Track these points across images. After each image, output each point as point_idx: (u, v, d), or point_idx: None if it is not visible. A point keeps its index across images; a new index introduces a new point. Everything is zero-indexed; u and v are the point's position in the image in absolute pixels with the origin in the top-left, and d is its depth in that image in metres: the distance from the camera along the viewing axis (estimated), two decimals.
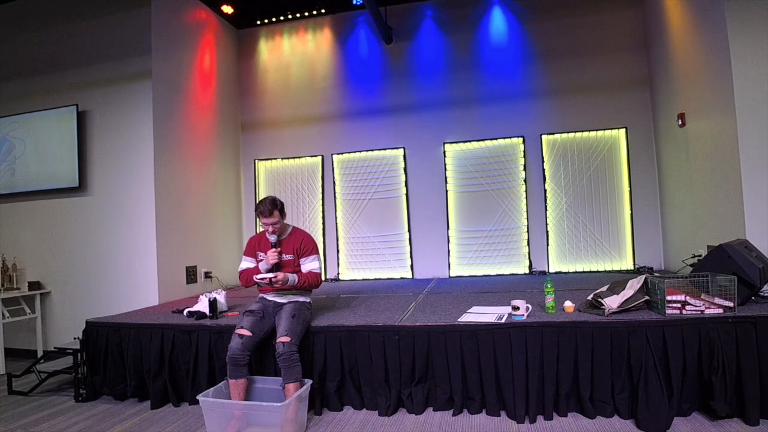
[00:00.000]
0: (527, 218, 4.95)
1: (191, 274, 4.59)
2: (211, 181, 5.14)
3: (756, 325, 2.30)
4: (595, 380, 2.44)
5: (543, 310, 2.73)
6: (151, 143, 4.19)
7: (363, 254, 5.34)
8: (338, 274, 5.38)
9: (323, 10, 5.53)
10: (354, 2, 5.29)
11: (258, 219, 2.79)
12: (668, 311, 2.42)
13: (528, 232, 4.95)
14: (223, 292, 3.45)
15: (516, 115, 5.02)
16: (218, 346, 2.89)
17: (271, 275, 2.63)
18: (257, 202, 2.79)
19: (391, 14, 5.27)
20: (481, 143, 5.09)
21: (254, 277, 2.72)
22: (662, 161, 4.63)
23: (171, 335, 2.99)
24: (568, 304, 2.69)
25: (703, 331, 2.34)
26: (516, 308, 2.60)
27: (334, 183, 5.46)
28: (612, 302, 2.53)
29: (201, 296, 3.35)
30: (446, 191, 5.14)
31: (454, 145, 5.16)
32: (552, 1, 5.02)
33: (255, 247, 2.89)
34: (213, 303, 3.12)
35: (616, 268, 4.75)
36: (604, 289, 2.74)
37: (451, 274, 5.06)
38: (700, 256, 3.41)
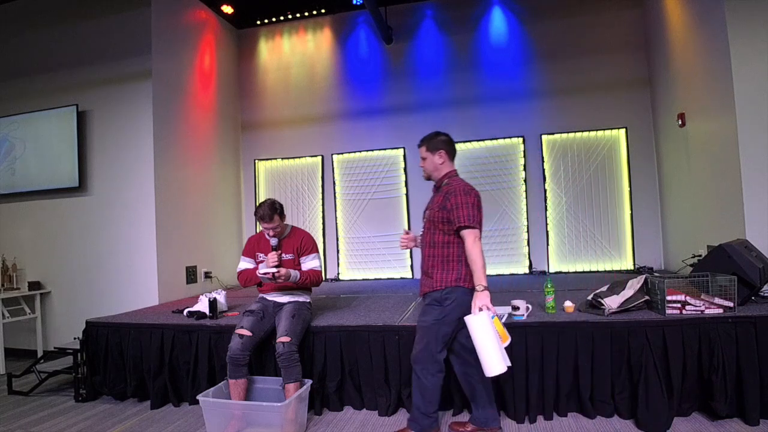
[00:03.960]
0: (527, 218, 4.95)
1: (191, 274, 4.59)
2: (211, 181, 5.14)
3: (756, 325, 2.30)
4: (595, 380, 2.44)
5: (543, 310, 2.73)
6: (151, 143, 4.19)
7: (363, 254, 5.34)
8: (338, 274, 5.38)
9: (323, 10, 5.52)
10: (354, 2, 5.29)
11: (258, 222, 2.80)
12: (668, 311, 2.42)
13: (528, 232, 4.94)
14: (223, 292, 3.45)
15: (516, 115, 5.02)
16: (218, 346, 2.89)
17: (273, 270, 2.63)
18: (256, 205, 2.79)
19: (391, 14, 5.27)
20: (481, 143, 5.09)
21: (258, 272, 2.71)
22: (662, 161, 4.63)
23: (171, 335, 2.99)
24: (568, 304, 2.69)
25: (703, 331, 2.34)
26: (516, 308, 2.60)
27: (334, 183, 5.46)
28: (612, 302, 2.53)
29: (201, 296, 3.35)
30: None
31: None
32: (552, 1, 5.02)
33: (254, 247, 2.89)
34: (213, 303, 3.12)
35: (616, 268, 4.75)
36: (604, 289, 2.74)
37: None
38: (700, 256, 3.41)
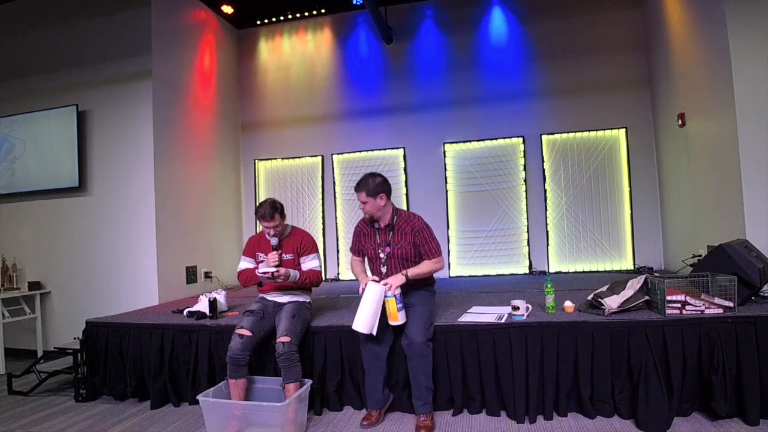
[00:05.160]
0: (527, 218, 4.95)
1: (191, 274, 4.59)
2: (211, 181, 5.14)
3: (756, 325, 2.30)
4: (595, 380, 2.44)
5: (543, 310, 2.73)
6: (151, 143, 4.19)
7: None
8: (338, 274, 5.38)
9: (323, 10, 5.52)
10: (354, 2, 5.29)
11: (258, 221, 2.80)
12: (668, 311, 2.42)
13: (528, 232, 4.95)
14: (223, 292, 3.45)
15: (516, 115, 5.02)
16: (218, 346, 2.89)
17: (273, 269, 2.64)
18: (257, 205, 2.79)
19: (391, 14, 5.27)
20: (481, 143, 5.09)
21: (257, 271, 2.71)
22: (662, 161, 4.63)
23: (171, 335, 2.99)
24: (568, 304, 2.69)
25: (703, 331, 2.34)
26: (516, 308, 2.60)
27: (334, 183, 5.46)
28: (612, 302, 2.53)
29: (201, 296, 3.35)
30: (446, 191, 5.14)
31: (454, 145, 5.16)
32: (552, 1, 5.03)
33: (254, 247, 2.89)
34: (213, 303, 3.12)
35: (616, 268, 4.75)
36: (604, 289, 2.74)
37: (451, 274, 5.06)
38: (700, 256, 3.41)
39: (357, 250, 2.78)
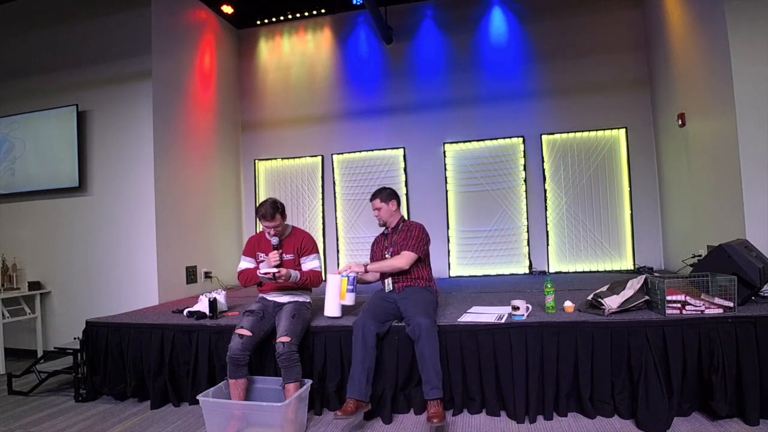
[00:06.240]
0: (527, 218, 4.95)
1: (191, 274, 4.59)
2: (211, 181, 5.14)
3: (756, 325, 2.30)
4: (595, 380, 2.44)
5: (543, 310, 2.73)
6: (151, 143, 4.19)
7: (363, 254, 5.33)
8: None
9: (323, 10, 5.52)
10: (354, 2, 5.29)
11: (259, 221, 2.81)
12: (668, 311, 2.42)
13: (528, 232, 4.95)
14: (223, 292, 3.45)
15: (516, 115, 5.02)
16: (218, 346, 2.89)
17: (274, 270, 2.64)
18: (258, 204, 2.79)
19: (391, 14, 5.27)
20: (481, 143, 5.09)
21: (258, 272, 2.71)
22: (662, 161, 4.63)
23: (171, 335, 2.99)
24: (568, 304, 2.69)
25: (703, 331, 2.34)
26: (516, 308, 2.60)
27: (334, 183, 5.47)
28: (612, 302, 2.53)
29: (201, 296, 3.35)
30: (446, 191, 5.14)
31: (454, 145, 5.16)
32: (552, 1, 5.03)
33: (254, 247, 2.89)
34: (213, 303, 3.12)
35: (616, 268, 4.75)
36: (604, 289, 2.74)
37: (451, 274, 5.06)
38: (700, 256, 3.41)
39: (371, 257, 3.09)
